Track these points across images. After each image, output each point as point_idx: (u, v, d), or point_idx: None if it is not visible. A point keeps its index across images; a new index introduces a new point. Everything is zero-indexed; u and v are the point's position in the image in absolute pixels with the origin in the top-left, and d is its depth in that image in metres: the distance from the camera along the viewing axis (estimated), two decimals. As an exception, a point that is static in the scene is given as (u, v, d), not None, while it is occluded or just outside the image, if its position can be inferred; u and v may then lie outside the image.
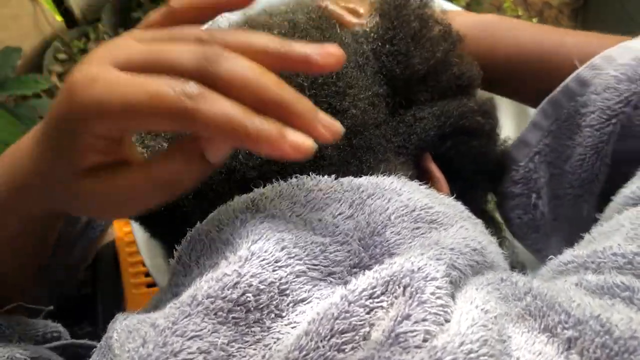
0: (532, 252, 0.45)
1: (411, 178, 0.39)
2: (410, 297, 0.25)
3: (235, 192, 0.34)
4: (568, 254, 0.31)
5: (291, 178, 0.33)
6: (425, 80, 0.40)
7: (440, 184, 0.40)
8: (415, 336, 0.23)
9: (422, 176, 0.41)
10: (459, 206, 0.35)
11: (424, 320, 0.24)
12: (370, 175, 0.35)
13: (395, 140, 0.39)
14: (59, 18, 1.48)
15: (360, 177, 0.34)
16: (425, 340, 0.23)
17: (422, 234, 0.30)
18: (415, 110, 0.39)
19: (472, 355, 0.22)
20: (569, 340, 0.24)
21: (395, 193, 0.32)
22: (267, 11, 0.40)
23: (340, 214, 0.31)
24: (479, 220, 0.35)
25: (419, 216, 0.31)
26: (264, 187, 0.33)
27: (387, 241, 0.30)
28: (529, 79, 0.44)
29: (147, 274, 0.56)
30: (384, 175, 0.34)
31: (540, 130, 0.42)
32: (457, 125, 0.41)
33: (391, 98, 0.39)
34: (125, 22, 1.59)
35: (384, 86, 0.39)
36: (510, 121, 0.59)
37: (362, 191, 0.32)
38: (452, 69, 0.41)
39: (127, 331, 0.27)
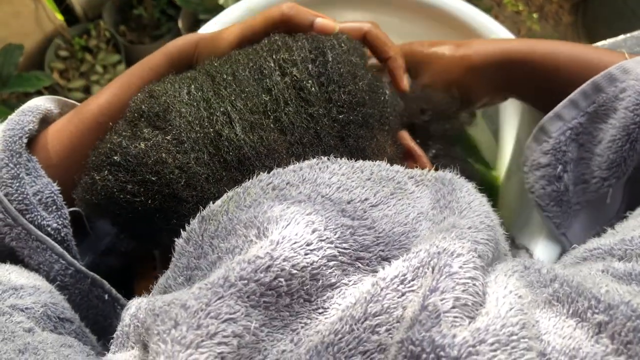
0: (549, 225, 0.46)
1: (395, 155, 0.41)
2: (438, 272, 0.25)
3: (235, 173, 0.34)
4: (593, 242, 0.31)
5: (300, 160, 0.34)
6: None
7: (422, 161, 0.42)
8: (444, 303, 0.23)
9: (403, 154, 0.43)
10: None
11: (453, 289, 0.24)
12: (362, 152, 0.36)
13: (379, 117, 0.40)
14: (59, 16, 1.48)
15: (359, 159, 0.35)
16: (454, 307, 0.23)
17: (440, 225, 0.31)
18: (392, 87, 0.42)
19: (513, 337, 0.22)
20: (599, 325, 0.24)
21: (414, 198, 0.33)
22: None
23: (366, 199, 0.31)
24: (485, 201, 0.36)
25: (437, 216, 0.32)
26: (268, 172, 0.33)
27: (413, 235, 0.30)
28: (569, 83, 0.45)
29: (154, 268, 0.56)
30: (379, 158, 0.35)
31: (577, 109, 0.43)
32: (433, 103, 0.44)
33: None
34: (126, 19, 1.60)
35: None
36: (514, 119, 0.59)
37: (384, 186, 0.32)
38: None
39: (153, 314, 0.26)
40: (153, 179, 0.34)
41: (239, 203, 0.31)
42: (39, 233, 0.38)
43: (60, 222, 0.39)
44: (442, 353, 0.22)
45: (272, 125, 0.35)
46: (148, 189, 0.35)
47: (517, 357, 0.22)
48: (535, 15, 1.72)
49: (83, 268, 0.40)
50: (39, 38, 1.49)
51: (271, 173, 0.33)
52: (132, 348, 0.28)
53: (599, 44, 0.61)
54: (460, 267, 0.25)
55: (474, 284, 0.25)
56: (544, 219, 0.46)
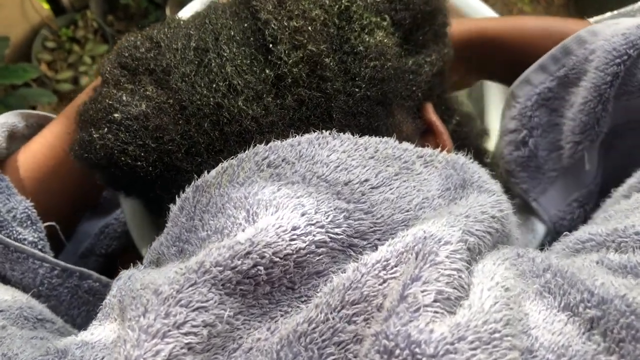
0: (519, 192, 0.45)
1: (413, 132, 0.37)
2: (422, 259, 0.23)
3: (235, 146, 0.32)
4: (584, 232, 0.30)
5: (299, 134, 0.31)
6: (424, 25, 0.39)
7: (444, 138, 0.39)
8: (425, 295, 0.22)
9: (423, 129, 0.39)
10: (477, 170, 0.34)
11: (436, 280, 0.22)
12: (375, 132, 0.33)
13: (400, 91, 0.36)
14: (46, 6, 1.46)
15: (370, 135, 0.32)
16: (436, 301, 0.22)
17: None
18: (417, 58, 0.38)
19: (496, 335, 0.21)
20: (592, 320, 0.22)
21: (420, 181, 0.30)
22: None
23: (366, 180, 0.29)
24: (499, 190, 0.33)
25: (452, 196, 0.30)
26: (265, 143, 0.31)
27: (414, 224, 0.28)
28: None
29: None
30: (394, 138, 0.32)
31: (546, 73, 0.42)
32: (444, 69, 0.41)
33: (399, 47, 0.37)
34: (113, 8, 1.58)
35: (397, 38, 0.37)
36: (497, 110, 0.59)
37: (388, 166, 0.30)
38: (442, 15, 0.41)
39: (130, 296, 0.25)
40: (153, 145, 0.33)
41: (232, 178, 0.30)
42: (16, 244, 0.38)
43: (36, 236, 0.40)
44: (417, 350, 0.20)
45: (277, 100, 0.33)
46: (149, 154, 0.33)
47: (498, 358, 0.21)
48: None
49: (68, 265, 0.39)
50: (25, 29, 1.47)
51: (268, 146, 0.30)
52: (115, 320, 0.28)
53: (592, 20, 0.60)
54: (447, 257, 0.23)
55: (460, 276, 0.23)
56: (512, 185, 0.45)
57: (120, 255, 0.56)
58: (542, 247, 0.33)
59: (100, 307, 0.30)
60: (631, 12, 0.56)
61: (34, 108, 1.29)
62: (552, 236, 0.45)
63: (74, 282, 0.40)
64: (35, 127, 0.46)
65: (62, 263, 0.39)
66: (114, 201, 0.52)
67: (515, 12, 1.70)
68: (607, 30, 0.40)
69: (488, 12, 0.56)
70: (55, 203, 0.43)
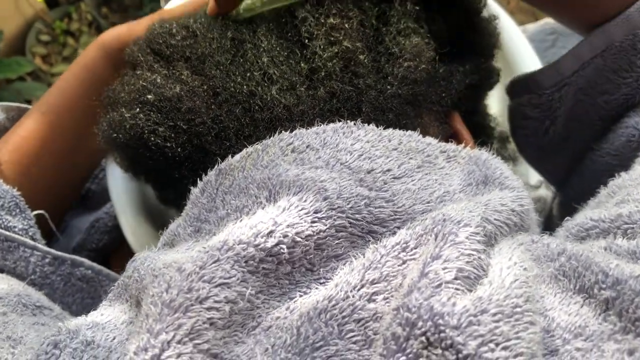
0: (527, 160, 0.44)
1: (439, 136, 0.37)
2: (442, 239, 0.23)
3: (264, 133, 0.32)
4: (586, 218, 0.29)
5: (325, 124, 0.31)
6: (461, 39, 0.39)
7: (468, 144, 0.38)
8: (447, 272, 0.22)
9: (449, 135, 0.39)
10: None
11: (457, 258, 0.23)
12: (403, 128, 0.33)
13: (431, 95, 0.37)
14: (39, -1, 1.45)
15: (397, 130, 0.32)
16: (457, 278, 0.22)
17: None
18: (450, 66, 0.38)
19: (517, 309, 0.21)
20: (607, 301, 0.23)
21: (442, 175, 0.30)
22: None
23: (389, 170, 0.29)
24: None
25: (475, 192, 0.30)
26: (291, 131, 0.31)
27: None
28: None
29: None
30: (418, 134, 0.32)
31: (580, 61, 0.37)
32: (481, 83, 0.40)
33: (434, 52, 0.37)
34: (107, 1, 1.56)
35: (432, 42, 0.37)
36: (497, 103, 0.58)
37: (411, 158, 0.30)
38: (488, 27, 0.40)
39: (152, 275, 0.25)
40: (184, 127, 0.33)
41: (256, 161, 0.30)
42: (7, 233, 0.38)
43: (26, 224, 0.40)
44: (440, 321, 0.20)
45: (310, 91, 0.33)
46: (179, 136, 0.33)
47: (521, 330, 0.21)
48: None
49: (60, 253, 0.39)
50: (18, 22, 1.45)
51: (293, 133, 0.31)
52: (127, 302, 0.28)
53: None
54: (467, 238, 0.24)
55: (479, 257, 0.23)
56: (522, 155, 0.44)
57: (114, 250, 0.56)
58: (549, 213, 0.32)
59: (112, 287, 0.30)
60: None
61: (29, 102, 1.28)
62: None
63: (66, 269, 0.40)
64: (17, 119, 0.47)
65: (53, 251, 0.39)
66: (103, 195, 0.53)
67: (514, 2, 1.69)
68: None
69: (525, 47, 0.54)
70: (37, 193, 0.44)
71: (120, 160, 0.38)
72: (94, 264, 0.41)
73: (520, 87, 0.41)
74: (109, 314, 0.27)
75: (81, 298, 0.41)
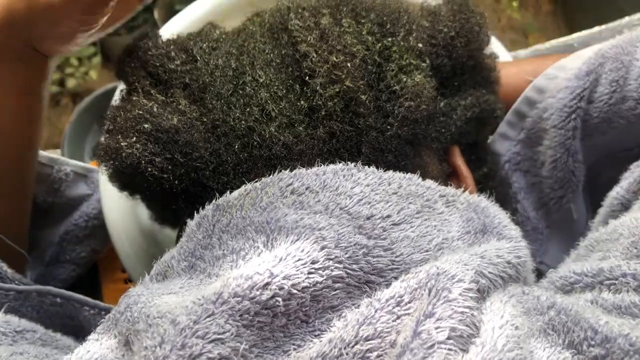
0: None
1: (438, 174, 0.37)
2: (435, 296, 0.23)
3: (262, 169, 0.32)
4: (569, 271, 0.30)
5: (325, 164, 0.31)
6: (463, 73, 0.39)
7: (467, 182, 0.38)
8: (440, 332, 0.22)
9: (449, 172, 0.39)
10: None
11: (450, 317, 0.22)
12: (402, 168, 0.33)
13: (430, 133, 0.37)
14: None
15: (396, 172, 0.32)
16: (449, 338, 0.22)
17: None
18: (450, 100, 0.38)
19: None
20: (595, 359, 0.23)
21: (441, 220, 0.30)
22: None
23: (388, 216, 0.29)
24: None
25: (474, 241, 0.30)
26: (291, 170, 0.31)
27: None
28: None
29: (123, 270, 0.55)
30: (418, 175, 0.32)
31: (508, 140, 0.44)
32: (483, 117, 0.40)
33: (435, 90, 0.37)
34: None
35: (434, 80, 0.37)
36: None
37: (410, 203, 0.30)
38: (486, 62, 0.41)
39: (146, 322, 0.25)
40: (181, 160, 0.33)
41: (255, 201, 0.29)
42: None
43: None
44: None
45: (309, 130, 0.33)
46: (176, 168, 0.33)
47: None
48: (515, 4, 1.72)
49: (21, 287, 0.39)
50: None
51: (292, 173, 0.30)
52: (115, 337, 0.28)
53: (575, 35, 0.61)
54: (460, 294, 0.23)
55: (472, 314, 0.23)
56: None
57: (99, 259, 0.56)
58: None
59: (102, 320, 0.29)
60: (618, 28, 0.57)
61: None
62: None
63: (34, 300, 0.39)
64: None
65: (15, 287, 0.38)
66: (65, 208, 0.52)
67: (505, 20, 1.71)
68: (551, 85, 0.41)
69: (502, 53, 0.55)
70: None
71: (117, 183, 0.38)
72: (62, 291, 0.40)
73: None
74: (95, 351, 0.27)
75: (60, 319, 0.40)
